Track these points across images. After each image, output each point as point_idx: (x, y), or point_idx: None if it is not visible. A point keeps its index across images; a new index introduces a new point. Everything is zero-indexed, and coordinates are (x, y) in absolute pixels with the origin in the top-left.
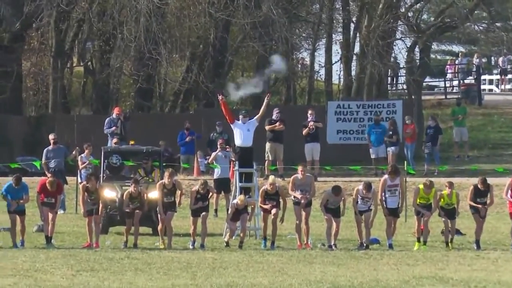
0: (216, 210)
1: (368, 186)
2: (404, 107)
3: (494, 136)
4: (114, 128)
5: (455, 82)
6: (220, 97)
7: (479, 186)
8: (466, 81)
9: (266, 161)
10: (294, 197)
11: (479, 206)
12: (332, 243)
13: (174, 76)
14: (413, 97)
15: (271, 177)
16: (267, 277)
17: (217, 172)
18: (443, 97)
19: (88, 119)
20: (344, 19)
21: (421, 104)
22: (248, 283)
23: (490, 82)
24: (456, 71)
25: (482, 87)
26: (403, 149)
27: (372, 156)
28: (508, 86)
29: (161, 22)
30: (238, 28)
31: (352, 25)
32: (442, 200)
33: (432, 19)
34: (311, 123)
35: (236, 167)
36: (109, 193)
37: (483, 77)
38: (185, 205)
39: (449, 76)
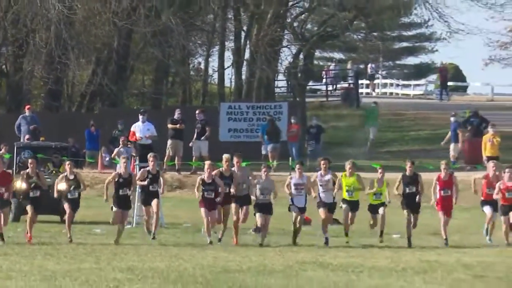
0: None
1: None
2: (290, 108)
3: (380, 135)
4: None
5: (337, 85)
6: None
7: (407, 172)
8: (345, 85)
9: (166, 156)
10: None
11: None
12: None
13: (81, 79)
14: (297, 99)
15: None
16: (164, 261)
17: (119, 167)
18: (325, 99)
19: (2, 118)
20: (236, 28)
21: (305, 106)
22: (146, 267)
23: (367, 86)
24: (331, 76)
25: (360, 90)
26: (289, 146)
27: (263, 153)
28: (378, 90)
29: (70, 29)
30: (139, 36)
31: (243, 34)
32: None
33: (315, 28)
34: (140, 135)
35: (137, 162)
36: (20, 184)
37: (361, 81)
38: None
39: (326, 80)
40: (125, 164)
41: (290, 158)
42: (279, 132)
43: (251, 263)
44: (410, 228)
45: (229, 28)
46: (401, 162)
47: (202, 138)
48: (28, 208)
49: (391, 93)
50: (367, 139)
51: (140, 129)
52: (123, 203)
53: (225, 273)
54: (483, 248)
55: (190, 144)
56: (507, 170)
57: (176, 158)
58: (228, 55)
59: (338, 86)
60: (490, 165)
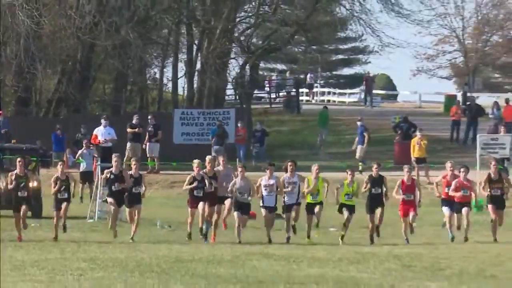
0: (81, 198)
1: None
2: (237, 114)
3: (310, 138)
4: None
5: (280, 94)
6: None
7: (373, 174)
8: (287, 93)
9: (125, 157)
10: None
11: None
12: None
13: (48, 87)
14: (244, 106)
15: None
16: (123, 253)
17: (82, 166)
18: (269, 106)
19: None
20: (188, 42)
21: (251, 112)
22: (107, 257)
23: (307, 94)
24: (273, 85)
25: (300, 98)
26: (237, 149)
27: (213, 154)
28: (317, 98)
29: (38, 43)
30: (101, 49)
31: (195, 47)
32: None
33: (260, 42)
34: (102, 139)
35: (98, 163)
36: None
37: (301, 90)
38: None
39: (268, 89)
40: (116, 162)
41: (238, 159)
42: (227, 136)
43: (202, 254)
44: (373, 230)
45: (182, 41)
46: (339, 162)
47: (153, 140)
48: (21, 208)
49: (328, 101)
50: (307, 142)
51: (101, 132)
52: (117, 198)
53: (179, 263)
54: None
55: (144, 146)
56: (462, 169)
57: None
58: (181, 66)
59: (280, 94)
60: (448, 165)
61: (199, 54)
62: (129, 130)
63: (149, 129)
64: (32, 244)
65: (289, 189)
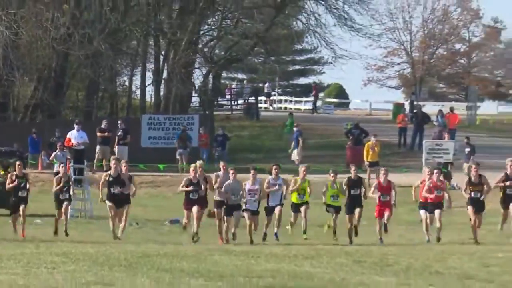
0: None
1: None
2: (200, 120)
3: (268, 143)
4: None
5: (239, 101)
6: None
7: (352, 176)
8: (247, 101)
9: (96, 159)
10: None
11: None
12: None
13: (25, 93)
14: (207, 112)
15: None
16: (94, 248)
17: (56, 167)
18: (230, 112)
19: None
20: (155, 52)
21: (213, 118)
22: (79, 252)
23: (265, 101)
24: (233, 93)
25: (259, 105)
26: (200, 152)
27: (177, 157)
28: (274, 105)
29: (16, 52)
30: (74, 58)
31: (162, 57)
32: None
33: (223, 53)
34: (75, 142)
35: (71, 164)
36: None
37: (259, 98)
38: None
39: (231, 97)
40: (114, 165)
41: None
42: (190, 140)
43: (167, 250)
44: (352, 230)
45: (150, 52)
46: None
47: (121, 142)
48: (20, 207)
49: (285, 108)
50: (265, 146)
51: (74, 136)
52: (116, 200)
53: (145, 257)
54: (361, 237)
55: (113, 149)
56: (435, 171)
57: (103, 160)
58: (149, 75)
59: (240, 101)
60: (425, 170)
61: (165, 64)
62: (98, 134)
63: (119, 133)
64: (8, 240)
65: (276, 187)
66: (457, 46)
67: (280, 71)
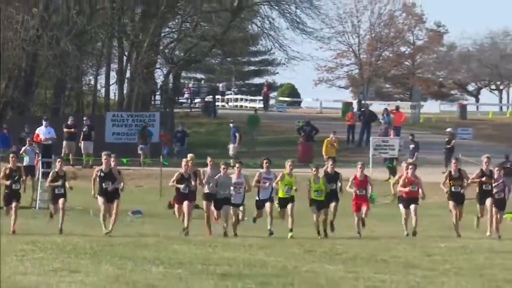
0: (24, 188)
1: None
2: (161, 117)
3: (224, 138)
4: None
5: (196, 99)
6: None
7: (328, 170)
8: (205, 99)
9: (62, 153)
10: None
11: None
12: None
13: None
14: (167, 110)
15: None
16: (61, 237)
17: (26, 161)
18: (189, 110)
19: None
20: (119, 53)
21: (173, 115)
22: (47, 241)
23: (222, 100)
24: (191, 92)
25: (217, 103)
26: (161, 147)
27: (139, 152)
28: (231, 104)
29: None
30: (43, 58)
31: (125, 58)
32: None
33: (182, 54)
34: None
35: (40, 158)
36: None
37: (218, 96)
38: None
39: (190, 95)
40: (106, 160)
41: (161, 156)
42: (150, 136)
43: (130, 239)
44: (326, 222)
45: (114, 53)
46: (256, 160)
47: (86, 138)
48: (13, 200)
49: (241, 106)
50: (221, 142)
51: (43, 132)
52: (107, 195)
53: (109, 246)
54: (308, 227)
55: (79, 144)
56: (410, 166)
57: (70, 155)
58: (113, 75)
59: (197, 100)
60: (404, 165)
61: (128, 64)
62: (65, 129)
63: (84, 129)
64: None
65: (267, 184)
66: (402, 48)
67: (236, 71)
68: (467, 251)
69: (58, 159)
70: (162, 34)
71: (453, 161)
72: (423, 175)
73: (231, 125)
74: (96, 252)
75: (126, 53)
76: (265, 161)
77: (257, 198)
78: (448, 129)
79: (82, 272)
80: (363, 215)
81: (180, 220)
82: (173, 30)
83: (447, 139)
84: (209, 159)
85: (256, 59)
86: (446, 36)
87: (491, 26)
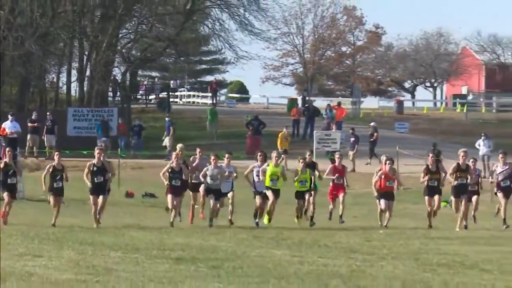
0: None
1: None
2: (119, 112)
3: (181, 133)
4: None
5: (150, 96)
6: None
7: (307, 160)
8: (157, 96)
9: (27, 146)
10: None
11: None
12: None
13: None
14: (125, 105)
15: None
16: (26, 225)
17: None
18: (145, 106)
19: None
20: (80, 53)
21: (130, 110)
22: (13, 228)
23: (175, 96)
24: (146, 89)
25: (171, 99)
26: (118, 140)
27: (98, 144)
28: (184, 100)
29: None
30: (9, 58)
31: (85, 57)
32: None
33: (139, 53)
34: (9, 131)
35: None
36: None
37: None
38: None
39: (145, 92)
40: (98, 154)
41: (119, 149)
42: (110, 129)
43: (89, 225)
44: (306, 211)
45: (75, 52)
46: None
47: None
48: (5, 194)
49: (193, 102)
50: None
51: (8, 126)
52: (98, 189)
53: (70, 233)
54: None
55: (42, 138)
56: (387, 162)
57: (34, 147)
58: (74, 73)
59: (151, 96)
60: (383, 159)
61: (88, 63)
62: (29, 124)
63: (47, 123)
64: None
65: (261, 178)
66: (344, 48)
67: (189, 70)
68: (404, 237)
69: (57, 153)
70: (120, 35)
71: (431, 155)
72: (363, 165)
73: (166, 119)
74: (58, 238)
75: (86, 53)
76: (259, 154)
77: (254, 190)
78: (372, 123)
79: (45, 256)
80: (341, 202)
81: (172, 215)
82: (130, 31)
83: (370, 132)
84: (198, 149)
85: (208, 58)
86: (384, 37)
87: (425, 27)
